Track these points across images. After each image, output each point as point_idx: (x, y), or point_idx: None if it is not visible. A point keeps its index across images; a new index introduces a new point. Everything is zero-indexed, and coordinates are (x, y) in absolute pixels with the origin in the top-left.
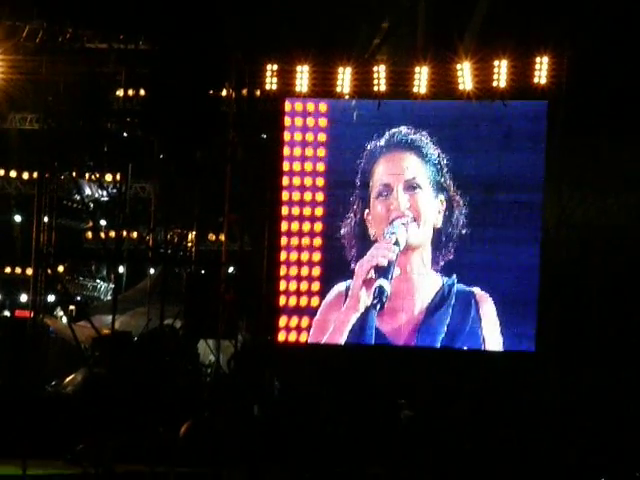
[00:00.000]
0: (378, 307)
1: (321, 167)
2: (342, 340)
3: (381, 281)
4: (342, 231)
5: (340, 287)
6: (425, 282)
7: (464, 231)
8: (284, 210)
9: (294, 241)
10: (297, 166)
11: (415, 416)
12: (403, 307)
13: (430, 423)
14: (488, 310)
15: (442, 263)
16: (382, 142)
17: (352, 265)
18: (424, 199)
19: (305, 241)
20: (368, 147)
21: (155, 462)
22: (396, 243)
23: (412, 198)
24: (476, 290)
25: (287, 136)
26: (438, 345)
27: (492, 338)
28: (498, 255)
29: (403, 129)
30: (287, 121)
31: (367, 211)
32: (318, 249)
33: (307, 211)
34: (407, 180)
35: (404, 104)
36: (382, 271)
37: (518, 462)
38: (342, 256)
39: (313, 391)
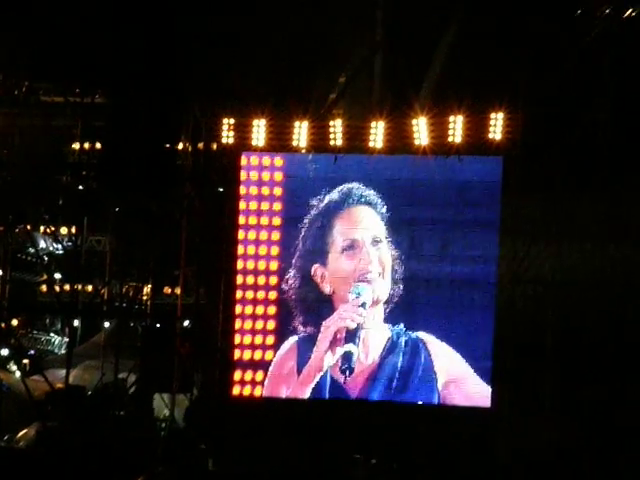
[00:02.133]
0: (347, 372)
1: (277, 221)
2: (305, 396)
3: (349, 346)
4: (287, 286)
5: (292, 340)
6: (376, 334)
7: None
8: (239, 264)
9: (249, 294)
10: (253, 220)
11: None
12: (359, 361)
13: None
14: (439, 351)
15: (388, 312)
16: (336, 197)
17: (298, 320)
18: (386, 253)
19: (260, 295)
20: (324, 202)
21: None
22: (362, 305)
23: (378, 252)
24: (422, 334)
25: (243, 190)
26: (392, 393)
27: (448, 382)
28: (450, 309)
29: (356, 185)
30: (243, 175)
31: (316, 266)
32: (273, 302)
33: (262, 265)
34: (372, 235)
35: (360, 159)
36: (350, 335)
37: None
38: (294, 311)
39: (268, 445)
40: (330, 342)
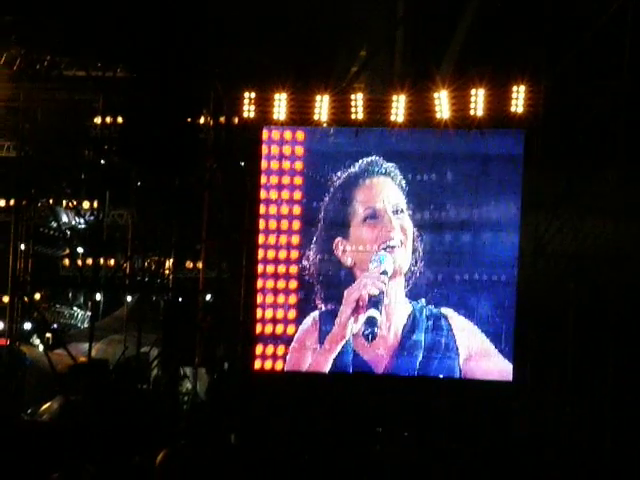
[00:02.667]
0: (370, 337)
1: (298, 195)
2: (327, 368)
3: (372, 311)
4: (308, 261)
5: (314, 314)
6: (398, 308)
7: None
8: (261, 238)
9: (270, 269)
10: (274, 194)
11: (387, 448)
12: (381, 335)
13: (406, 454)
14: (460, 324)
15: (409, 288)
16: (356, 169)
17: (320, 294)
18: (408, 222)
19: (281, 269)
20: (345, 175)
21: None
22: (384, 272)
23: (400, 221)
24: (444, 309)
25: (264, 164)
26: (416, 369)
27: (469, 356)
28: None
29: (376, 157)
30: (264, 149)
31: (338, 240)
32: (294, 277)
33: (283, 239)
34: (393, 204)
35: (382, 132)
36: (373, 301)
37: None
38: (315, 285)
39: (291, 420)
40: (352, 309)
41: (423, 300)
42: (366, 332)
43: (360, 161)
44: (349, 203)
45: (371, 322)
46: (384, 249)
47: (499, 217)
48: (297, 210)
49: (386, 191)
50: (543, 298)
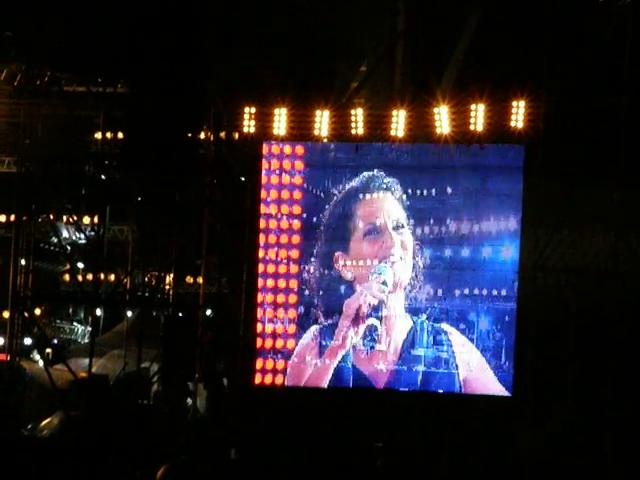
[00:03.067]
0: (370, 347)
1: (297, 210)
2: (326, 383)
3: (373, 320)
4: (308, 275)
5: (314, 329)
6: (398, 322)
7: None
8: (261, 253)
9: (270, 283)
10: (274, 209)
11: (388, 463)
12: (381, 349)
13: (406, 469)
14: (460, 341)
15: (410, 302)
16: (357, 184)
17: (320, 309)
18: (408, 238)
19: (281, 284)
20: (345, 189)
21: None
22: (384, 283)
23: (400, 237)
24: (444, 326)
25: (264, 179)
26: (417, 384)
27: (469, 372)
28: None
29: (377, 173)
30: (264, 164)
31: (338, 254)
32: (294, 291)
33: (283, 253)
34: (393, 220)
35: (381, 147)
36: (373, 310)
37: None
38: (315, 299)
39: (290, 435)
40: (352, 320)
41: (424, 315)
42: (366, 342)
43: (360, 176)
44: (349, 218)
45: (371, 330)
46: (383, 264)
47: (499, 232)
48: (297, 225)
49: (386, 206)
50: (543, 313)
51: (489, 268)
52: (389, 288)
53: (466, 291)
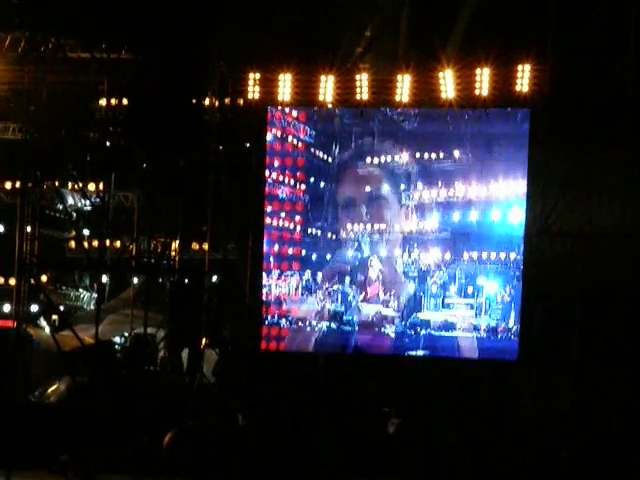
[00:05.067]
0: (375, 311)
1: (302, 176)
2: (330, 347)
3: (344, 287)
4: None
5: (319, 294)
6: (405, 287)
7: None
8: (267, 219)
9: (276, 249)
10: (279, 175)
11: (403, 424)
12: (387, 314)
13: (418, 431)
14: (466, 304)
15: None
16: (362, 150)
17: (325, 274)
18: (413, 203)
19: (287, 250)
20: (350, 155)
21: (139, 472)
22: (390, 252)
23: (406, 202)
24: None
25: (269, 145)
26: (421, 349)
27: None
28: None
29: (382, 138)
30: (269, 130)
31: (346, 220)
32: (299, 257)
33: (288, 220)
34: (398, 184)
35: (387, 113)
36: (381, 278)
37: (504, 468)
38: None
39: (297, 400)
40: (358, 284)
41: (431, 279)
42: (372, 305)
43: (365, 141)
44: (355, 184)
45: (344, 297)
46: (391, 229)
47: (506, 197)
48: (302, 190)
49: (392, 171)
50: (549, 277)
51: (497, 232)
52: (396, 257)
53: (474, 255)
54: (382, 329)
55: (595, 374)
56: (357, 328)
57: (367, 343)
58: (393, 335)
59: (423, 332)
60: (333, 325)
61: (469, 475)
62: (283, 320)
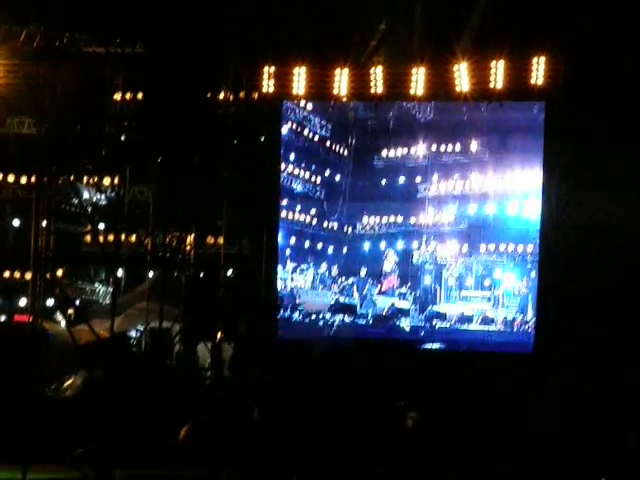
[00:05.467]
0: (391, 304)
1: (319, 169)
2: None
3: (360, 280)
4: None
5: (335, 287)
6: (424, 280)
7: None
8: (283, 212)
9: (292, 242)
10: (294, 168)
11: (421, 418)
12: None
13: (436, 424)
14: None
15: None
16: (379, 143)
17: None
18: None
19: (303, 243)
20: (367, 148)
21: (155, 466)
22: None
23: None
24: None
25: (285, 138)
26: (439, 341)
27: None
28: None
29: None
30: (284, 123)
31: (363, 213)
32: (315, 251)
33: (304, 213)
34: (415, 178)
35: (401, 106)
36: (359, 270)
37: (521, 461)
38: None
39: (312, 394)
40: (374, 277)
41: (446, 271)
42: (387, 298)
43: (381, 134)
44: (371, 177)
45: (393, 288)
46: (407, 222)
47: (523, 189)
48: (317, 184)
49: (407, 164)
50: (564, 270)
51: (514, 224)
52: (412, 250)
53: (491, 247)
54: (397, 322)
55: (609, 367)
56: (371, 321)
57: (382, 336)
58: (408, 328)
59: (439, 325)
60: (347, 319)
61: (487, 467)
62: (296, 313)
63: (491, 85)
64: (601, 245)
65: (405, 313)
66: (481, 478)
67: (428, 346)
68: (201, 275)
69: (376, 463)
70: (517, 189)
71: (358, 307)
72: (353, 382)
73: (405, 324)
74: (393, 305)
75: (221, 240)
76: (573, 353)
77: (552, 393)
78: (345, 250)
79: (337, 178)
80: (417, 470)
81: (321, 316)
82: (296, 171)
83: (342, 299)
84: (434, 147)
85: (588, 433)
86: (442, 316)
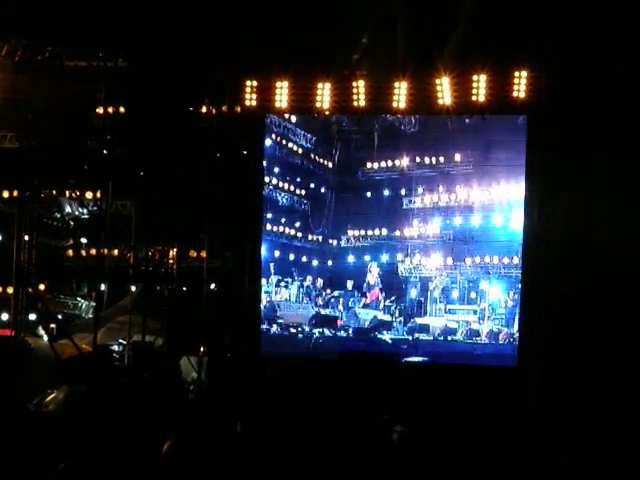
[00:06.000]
0: (373, 316)
1: (303, 181)
2: (329, 353)
3: (345, 293)
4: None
5: (319, 301)
6: (409, 292)
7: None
8: (268, 226)
9: (276, 254)
10: (277, 181)
11: (407, 431)
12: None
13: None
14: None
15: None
16: (362, 155)
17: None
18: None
19: (287, 256)
20: (349, 161)
21: None
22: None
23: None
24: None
25: (268, 151)
26: (423, 355)
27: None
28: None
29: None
30: (269, 136)
31: (347, 226)
32: (299, 264)
33: (288, 226)
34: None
35: (385, 118)
36: (344, 283)
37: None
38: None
39: (295, 407)
40: (358, 291)
41: (433, 284)
42: (371, 311)
43: (365, 146)
44: (356, 189)
45: (377, 301)
46: (392, 235)
47: (508, 200)
48: (302, 196)
49: (392, 176)
50: (548, 282)
51: (499, 236)
52: (398, 262)
53: (477, 259)
54: (378, 335)
55: (595, 379)
56: (352, 334)
57: (363, 349)
58: (390, 341)
59: (422, 338)
60: (327, 332)
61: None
62: (274, 326)
63: (473, 98)
64: (585, 257)
65: (387, 326)
66: None
67: (411, 359)
68: (184, 289)
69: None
70: (503, 200)
71: (337, 319)
72: (337, 395)
73: (387, 337)
74: (375, 317)
75: (204, 254)
76: (557, 364)
77: (535, 405)
78: (330, 263)
79: (322, 190)
80: None
81: (300, 329)
82: (280, 184)
83: (323, 311)
84: (418, 159)
85: (573, 444)
86: (425, 328)
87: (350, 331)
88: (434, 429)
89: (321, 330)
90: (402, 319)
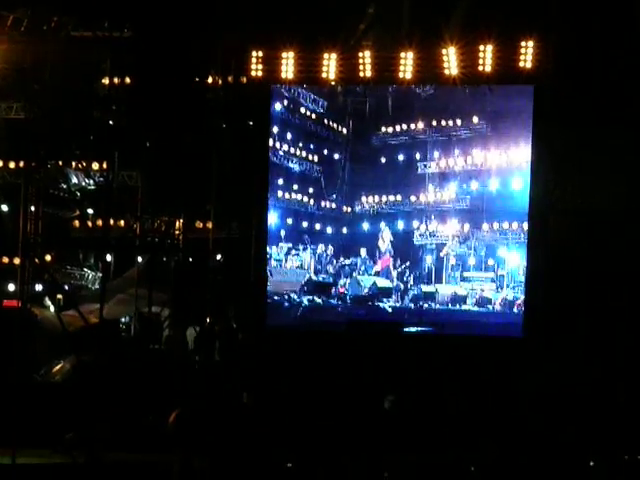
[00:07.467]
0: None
1: (314, 147)
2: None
3: (357, 260)
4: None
5: (329, 268)
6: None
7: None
8: (279, 193)
9: (288, 222)
10: (284, 152)
11: (399, 400)
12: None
13: (414, 407)
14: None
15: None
16: (371, 124)
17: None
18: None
19: (299, 223)
20: (358, 130)
21: (144, 450)
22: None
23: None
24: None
25: (273, 122)
26: (430, 324)
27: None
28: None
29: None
30: (273, 107)
31: (361, 194)
32: (310, 232)
33: (299, 193)
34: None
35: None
36: (392, 253)
37: (507, 446)
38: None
39: (301, 377)
40: (370, 258)
41: (447, 250)
42: (382, 279)
43: (379, 111)
44: (370, 155)
45: (387, 268)
46: (407, 201)
47: (526, 164)
48: (315, 162)
49: (407, 141)
50: (555, 253)
51: (499, 210)
52: (410, 230)
53: (495, 225)
54: (378, 303)
55: (600, 350)
56: (349, 302)
57: (361, 317)
58: (390, 309)
59: (426, 306)
60: (318, 300)
61: (468, 447)
62: (289, 296)
63: (480, 69)
64: (590, 227)
65: (387, 293)
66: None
67: (412, 329)
68: (190, 259)
69: (361, 447)
70: (523, 163)
71: (343, 287)
72: (337, 365)
73: (387, 305)
74: (375, 284)
75: (210, 224)
76: (562, 335)
77: (541, 376)
78: (345, 230)
79: (336, 156)
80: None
81: (286, 297)
82: (292, 150)
83: (315, 277)
84: (434, 123)
85: (576, 417)
86: (431, 296)
87: (348, 299)
88: (432, 397)
89: (311, 298)
90: (404, 286)
